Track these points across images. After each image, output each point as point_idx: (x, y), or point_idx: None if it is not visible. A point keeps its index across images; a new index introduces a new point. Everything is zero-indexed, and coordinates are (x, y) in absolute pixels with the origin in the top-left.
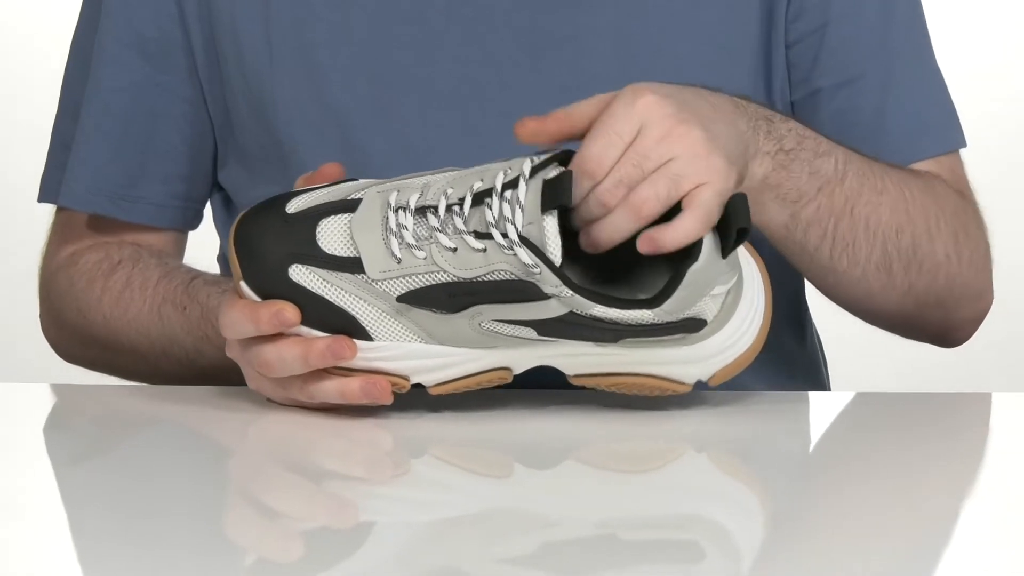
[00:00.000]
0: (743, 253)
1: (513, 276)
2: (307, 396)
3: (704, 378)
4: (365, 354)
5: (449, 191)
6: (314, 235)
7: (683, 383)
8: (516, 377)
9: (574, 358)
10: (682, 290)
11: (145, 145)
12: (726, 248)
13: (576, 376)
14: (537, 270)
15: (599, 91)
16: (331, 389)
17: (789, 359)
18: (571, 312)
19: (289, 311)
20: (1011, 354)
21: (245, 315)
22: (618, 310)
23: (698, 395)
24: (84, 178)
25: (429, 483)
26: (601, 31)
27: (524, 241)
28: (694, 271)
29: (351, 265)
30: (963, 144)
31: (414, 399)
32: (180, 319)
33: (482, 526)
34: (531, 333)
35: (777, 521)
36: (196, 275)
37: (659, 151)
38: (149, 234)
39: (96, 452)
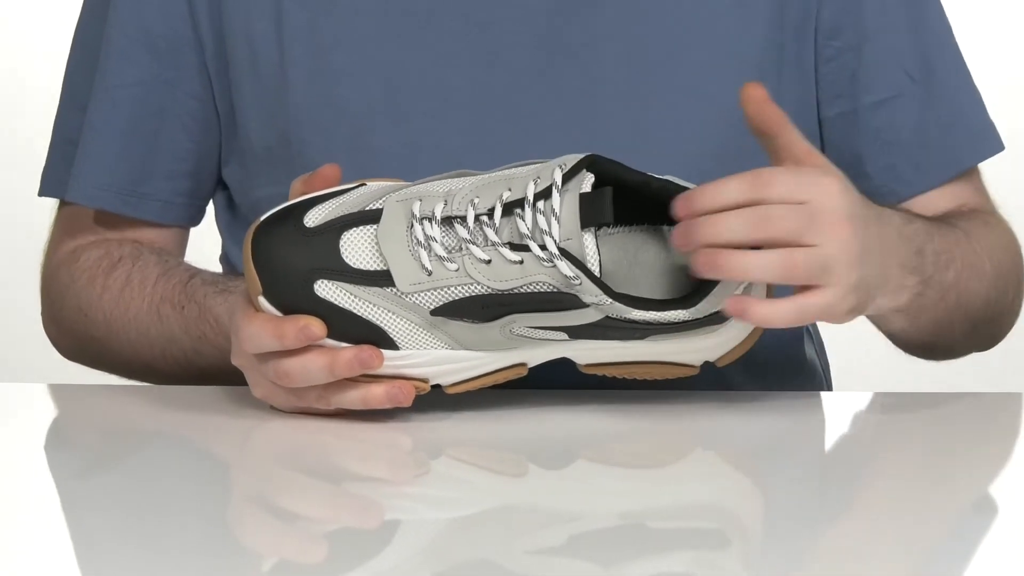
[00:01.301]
0: None
1: (552, 288)
2: (324, 404)
3: (712, 359)
4: (392, 362)
5: (476, 200)
6: (338, 248)
7: (691, 365)
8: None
9: (593, 351)
10: (720, 288)
11: (153, 142)
12: None
13: (588, 365)
14: (578, 281)
15: (612, 97)
16: (354, 397)
17: (788, 361)
18: (607, 317)
19: (316, 326)
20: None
21: (268, 330)
22: (655, 312)
23: (709, 394)
24: (91, 174)
25: (450, 482)
26: (615, 38)
27: (564, 253)
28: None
29: (380, 279)
30: (1000, 148)
31: (429, 400)
32: (178, 318)
33: (507, 521)
34: (562, 336)
35: (791, 512)
36: (195, 273)
37: (819, 231)
38: (152, 230)
39: (96, 454)
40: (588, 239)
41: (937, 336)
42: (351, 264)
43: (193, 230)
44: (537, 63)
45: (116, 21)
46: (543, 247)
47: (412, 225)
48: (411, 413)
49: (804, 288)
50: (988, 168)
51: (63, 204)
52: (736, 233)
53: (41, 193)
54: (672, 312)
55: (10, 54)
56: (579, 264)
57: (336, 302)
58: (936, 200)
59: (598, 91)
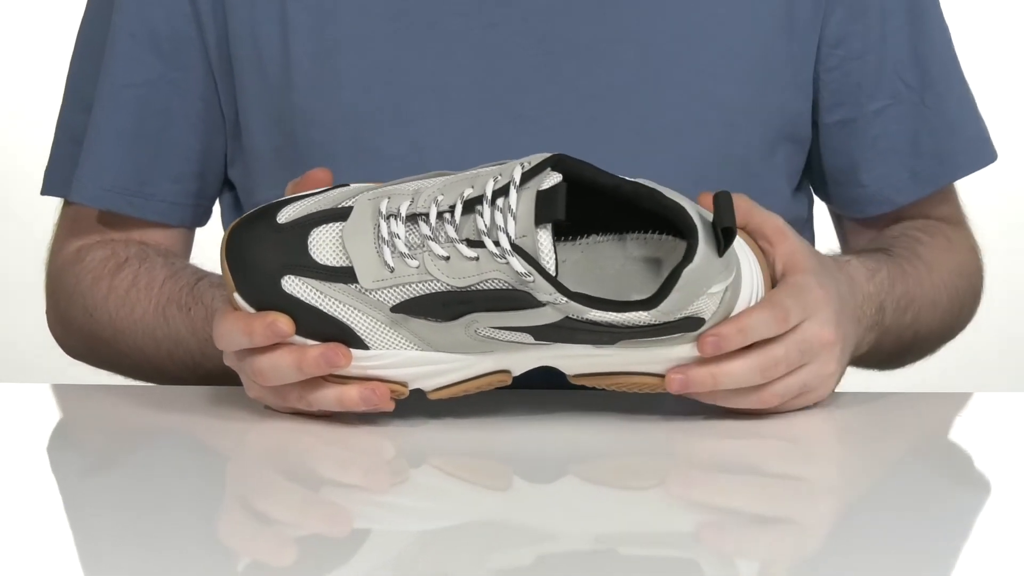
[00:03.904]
0: (742, 246)
1: (507, 285)
2: (306, 404)
3: None
4: (362, 363)
5: (440, 198)
6: (306, 245)
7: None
8: (516, 377)
9: (573, 359)
10: (677, 291)
11: (158, 143)
12: (720, 248)
13: (576, 376)
14: (531, 278)
15: (616, 99)
16: (330, 397)
17: None
18: (567, 317)
19: (282, 322)
20: (1011, 354)
21: (238, 327)
22: (614, 313)
23: (700, 404)
24: (97, 175)
25: (426, 492)
26: (620, 40)
27: (517, 250)
28: (689, 271)
29: (344, 275)
30: (994, 158)
31: (414, 405)
32: (185, 320)
33: (478, 537)
34: (528, 338)
35: (776, 541)
36: (202, 276)
37: (811, 352)
38: (158, 231)
39: (95, 454)
40: (543, 236)
41: (887, 365)
42: (318, 260)
43: (200, 230)
44: (541, 65)
45: (121, 22)
46: (497, 243)
47: (379, 223)
48: (398, 418)
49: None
50: (987, 171)
51: (67, 204)
52: (740, 383)
53: (44, 192)
54: (633, 314)
55: (12, 56)
56: (532, 261)
57: (303, 298)
58: (917, 209)
59: (602, 93)
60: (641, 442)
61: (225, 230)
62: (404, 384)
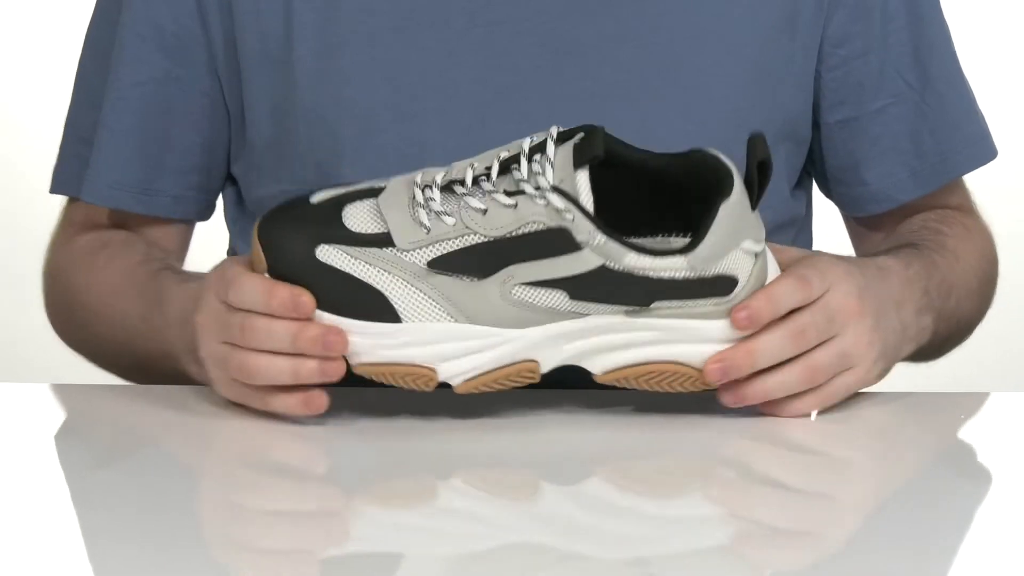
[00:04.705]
0: (771, 259)
1: (544, 227)
2: (261, 404)
3: None
4: (391, 339)
5: (475, 164)
6: (340, 217)
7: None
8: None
9: (601, 356)
10: (714, 232)
11: (164, 139)
12: (754, 197)
13: (604, 373)
14: (570, 215)
15: (618, 98)
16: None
17: None
18: (603, 267)
19: (307, 297)
20: (1011, 354)
21: (260, 287)
22: (650, 258)
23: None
24: (105, 174)
25: (450, 509)
26: (623, 39)
27: (555, 190)
28: (727, 206)
29: (380, 240)
30: (994, 155)
31: (439, 404)
32: (137, 304)
33: (503, 559)
34: (562, 298)
35: (801, 553)
36: (169, 266)
37: (830, 324)
38: (160, 226)
39: (95, 453)
40: (581, 177)
41: (936, 354)
42: (352, 229)
43: (201, 226)
44: (543, 63)
45: (128, 21)
46: (537, 187)
47: (414, 192)
48: (423, 419)
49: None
50: (987, 170)
51: (70, 200)
52: (777, 356)
53: (53, 190)
54: (670, 259)
55: (12, 56)
56: (571, 198)
57: (337, 265)
58: (928, 201)
59: (604, 91)
60: (675, 439)
61: (229, 226)
62: (432, 369)
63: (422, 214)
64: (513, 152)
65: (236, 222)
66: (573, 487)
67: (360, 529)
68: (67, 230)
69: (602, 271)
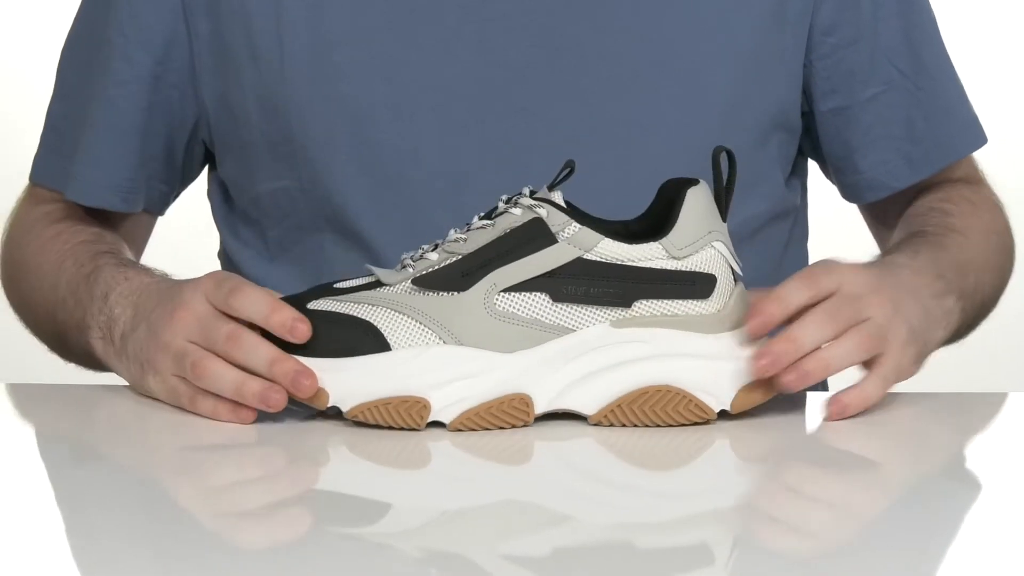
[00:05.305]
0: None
1: (520, 223)
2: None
3: (726, 404)
4: (382, 370)
5: (455, 229)
6: (330, 287)
7: (706, 407)
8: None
9: (592, 380)
10: (686, 211)
11: (144, 135)
12: (723, 208)
13: (598, 411)
14: (543, 210)
15: (612, 93)
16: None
17: None
18: (580, 258)
19: (305, 327)
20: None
21: (265, 300)
22: (626, 244)
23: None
24: (91, 174)
25: (448, 473)
26: (618, 34)
27: (531, 196)
28: (695, 191)
29: (367, 287)
30: (984, 141)
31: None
32: (75, 271)
33: (494, 518)
34: (545, 301)
35: (789, 536)
36: (108, 251)
37: (856, 307)
38: (123, 216)
39: (95, 453)
40: (556, 194)
41: (966, 333)
42: (341, 287)
43: (192, 229)
44: (538, 59)
45: (114, 20)
46: (516, 206)
47: (402, 261)
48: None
49: (866, 364)
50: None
51: (32, 183)
52: (818, 338)
53: (32, 179)
54: (645, 246)
55: (10, 55)
56: (545, 199)
57: (326, 308)
58: (932, 178)
59: (599, 86)
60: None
61: (219, 226)
62: (424, 398)
63: (408, 261)
64: (488, 208)
65: (226, 221)
66: (567, 455)
67: (350, 486)
68: (30, 199)
69: (579, 263)
